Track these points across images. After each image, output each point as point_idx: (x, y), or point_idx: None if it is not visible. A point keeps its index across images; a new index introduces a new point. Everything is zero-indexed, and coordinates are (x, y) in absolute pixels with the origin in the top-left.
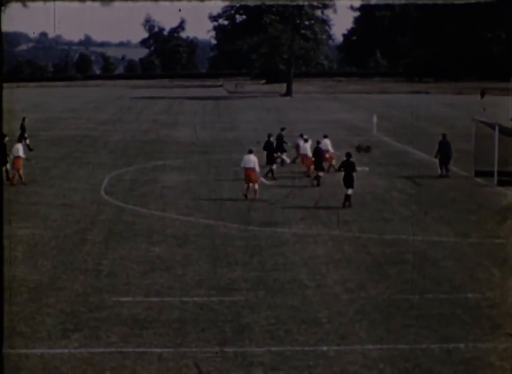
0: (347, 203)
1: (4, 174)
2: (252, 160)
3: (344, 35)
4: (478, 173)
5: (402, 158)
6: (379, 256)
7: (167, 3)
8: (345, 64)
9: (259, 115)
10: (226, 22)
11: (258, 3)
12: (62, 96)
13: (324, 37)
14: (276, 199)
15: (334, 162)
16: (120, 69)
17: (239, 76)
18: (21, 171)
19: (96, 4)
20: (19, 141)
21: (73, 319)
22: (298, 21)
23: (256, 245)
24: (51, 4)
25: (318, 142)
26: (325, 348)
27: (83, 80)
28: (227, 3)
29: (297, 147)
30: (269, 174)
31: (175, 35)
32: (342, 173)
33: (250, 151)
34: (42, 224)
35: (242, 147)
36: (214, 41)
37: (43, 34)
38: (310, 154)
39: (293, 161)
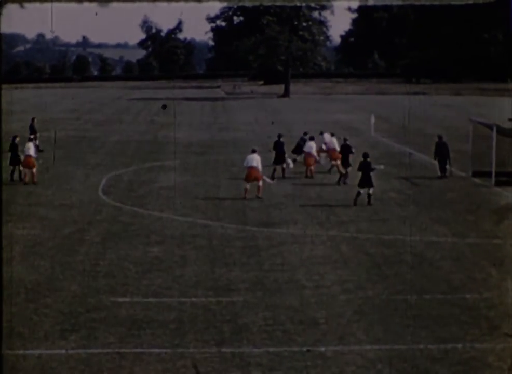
0: (368, 201)
1: (17, 173)
2: (255, 159)
3: (342, 36)
4: (476, 174)
5: (400, 158)
6: (377, 256)
7: (164, 5)
8: (343, 65)
9: (257, 116)
10: (223, 23)
11: (256, 3)
12: (60, 97)
13: (321, 38)
14: (274, 199)
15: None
16: (117, 71)
17: (236, 77)
18: (34, 170)
19: (94, 5)
20: (29, 140)
21: (71, 319)
22: (295, 22)
23: (254, 245)
24: (48, 5)
25: (345, 139)
26: (323, 348)
27: (80, 81)
28: (224, 4)
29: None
30: (275, 174)
31: (173, 36)
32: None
33: (253, 151)
34: (40, 225)
35: (240, 148)
36: (211, 43)
37: (41, 35)
38: (314, 152)
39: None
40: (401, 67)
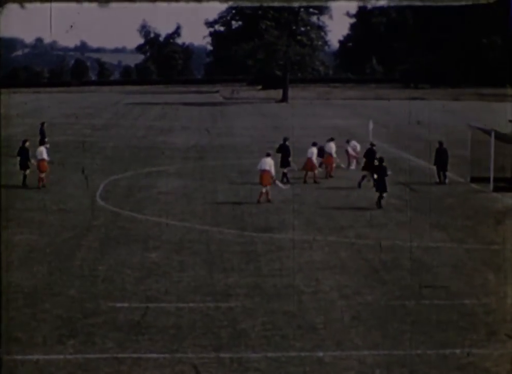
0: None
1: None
2: (268, 163)
3: (340, 41)
4: (474, 179)
5: (398, 164)
6: (376, 262)
7: (163, 9)
8: (341, 70)
9: (255, 121)
10: (222, 28)
11: (256, 4)
12: (58, 102)
13: (320, 43)
14: (272, 205)
15: (334, 165)
16: (115, 75)
17: (235, 82)
18: (43, 175)
19: (92, 9)
20: (41, 144)
21: (69, 324)
22: (294, 27)
23: (252, 251)
24: (47, 9)
25: (372, 144)
26: (321, 354)
27: (78, 86)
28: (223, 6)
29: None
30: (284, 179)
31: (171, 40)
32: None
33: (268, 155)
34: (38, 230)
35: (238, 153)
36: (210, 47)
37: (39, 40)
38: (314, 158)
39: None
40: (400, 72)
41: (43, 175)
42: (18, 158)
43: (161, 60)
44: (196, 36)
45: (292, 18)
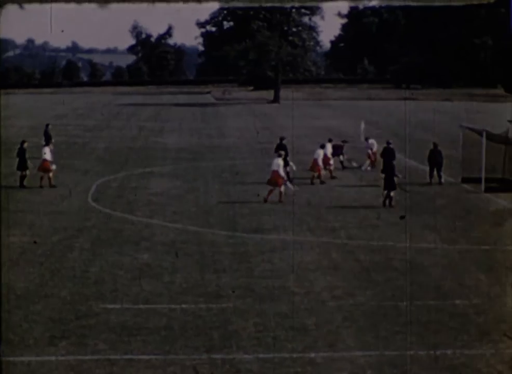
0: (389, 202)
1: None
2: (278, 163)
3: (332, 42)
4: (465, 180)
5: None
6: (367, 263)
7: (155, 10)
8: (333, 70)
9: (247, 122)
10: (213, 29)
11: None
12: (49, 102)
13: (311, 43)
14: (264, 206)
15: (332, 167)
16: (107, 76)
17: (226, 83)
18: (51, 174)
19: (84, 10)
20: (46, 145)
21: (61, 326)
22: (285, 28)
23: (244, 252)
24: (39, 10)
25: (388, 143)
26: (313, 355)
27: (70, 87)
28: (214, 9)
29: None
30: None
31: (163, 41)
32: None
33: (279, 155)
34: (29, 231)
35: (230, 154)
36: (201, 48)
37: (30, 41)
38: (320, 159)
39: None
40: (391, 72)
41: (46, 175)
42: (17, 159)
43: (153, 61)
44: (188, 36)
45: (283, 19)
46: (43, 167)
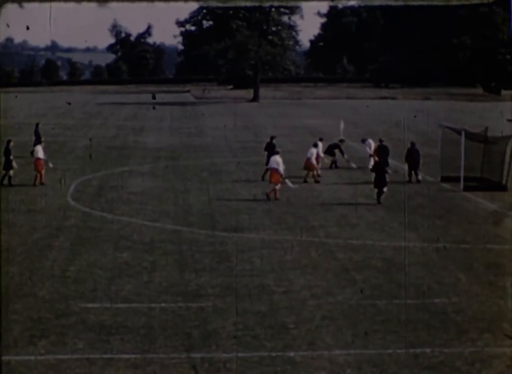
0: (379, 199)
1: (6, 179)
2: (276, 161)
3: (311, 41)
4: (444, 179)
5: (369, 163)
6: (346, 261)
7: (134, 9)
8: (312, 69)
9: (227, 121)
10: (193, 28)
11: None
12: (28, 101)
13: (291, 42)
14: (243, 204)
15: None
16: (86, 75)
17: (206, 82)
18: (43, 172)
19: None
20: (38, 143)
21: (40, 325)
22: (265, 27)
23: (223, 251)
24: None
25: (381, 140)
26: (292, 353)
27: (49, 86)
28: (194, 8)
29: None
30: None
31: (142, 40)
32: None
33: (277, 153)
34: (8, 230)
35: (209, 153)
36: (181, 47)
37: (9, 39)
38: (313, 158)
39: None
40: (370, 71)
41: (39, 174)
42: (4, 159)
43: (132, 60)
44: (167, 35)
45: (263, 18)
46: (37, 166)
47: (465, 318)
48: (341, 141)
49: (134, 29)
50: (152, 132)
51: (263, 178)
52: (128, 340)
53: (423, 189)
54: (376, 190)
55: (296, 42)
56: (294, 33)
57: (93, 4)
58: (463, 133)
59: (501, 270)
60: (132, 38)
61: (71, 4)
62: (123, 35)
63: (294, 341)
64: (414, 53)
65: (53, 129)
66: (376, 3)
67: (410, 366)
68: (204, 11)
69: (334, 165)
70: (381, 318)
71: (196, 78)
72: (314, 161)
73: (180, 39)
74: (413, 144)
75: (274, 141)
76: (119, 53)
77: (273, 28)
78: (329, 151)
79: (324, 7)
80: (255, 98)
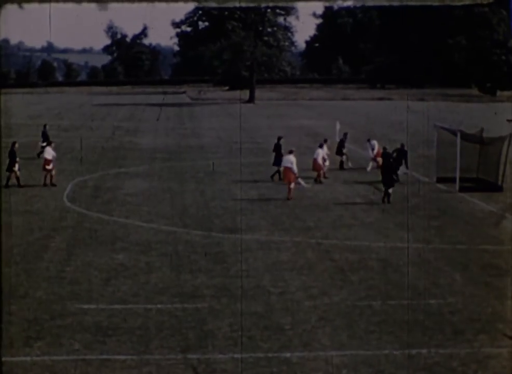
0: (387, 199)
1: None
2: (290, 160)
3: (307, 42)
4: (440, 180)
5: (364, 164)
6: (342, 262)
7: (130, 10)
8: (308, 70)
9: (222, 122)
10: (188, 29)
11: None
12: (24, 103)
13: (286, 43)
14: (239, 205)
15: (327, 164)
16: (82, 76)
17: (202, 83)
18: (53, 172)
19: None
20: (48, 145)
21: (36, 326)
22: (260, 28)
23: (219, 252)
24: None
25: (385, 148)
26: (288, 354)
27: (45, 87)
28: (190, 9)
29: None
30: (275, 176)
31: (138, 41)
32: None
33: (290, 152)
34: (4, 231)
35: (205, 154)
36: (176, 48)
37: (5, 40)
38: (320, 159)
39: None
40: (366, 72)
41: (48, 174)
42: (8, 160)
43: (128, 61)
44: (163, 36)
45: (258, 19)
46: (46, 166)
47: (460, 319)
48: (345, 134)
49: (130, 30)
50: (148, 133)
51: (272, 178)
52: (124, 341)
53: (418, 190)
54: (383, 189)
55: (292, 43)
56: (289, 34)
57: (92, 5)
58: (459, 134)
59: (497, 271)
60: (128, 39)
61: (67, 5)
62: (119, 36)
63: (290, 342)
64: (410, 53)
65: (49, 130)
66: (372, 3)
67: (406, 367)
68: (200, 12)
69: (341, 166)
70: (377, 319)
71: (192, 79)
72: (320, 162)
73: (176, 40)
74: (402, 145)
75: (281, 141)
76: (115, 54)
77: (269, 29)
78: (338, 151)
79: (319, 8)
80: (251, 99)
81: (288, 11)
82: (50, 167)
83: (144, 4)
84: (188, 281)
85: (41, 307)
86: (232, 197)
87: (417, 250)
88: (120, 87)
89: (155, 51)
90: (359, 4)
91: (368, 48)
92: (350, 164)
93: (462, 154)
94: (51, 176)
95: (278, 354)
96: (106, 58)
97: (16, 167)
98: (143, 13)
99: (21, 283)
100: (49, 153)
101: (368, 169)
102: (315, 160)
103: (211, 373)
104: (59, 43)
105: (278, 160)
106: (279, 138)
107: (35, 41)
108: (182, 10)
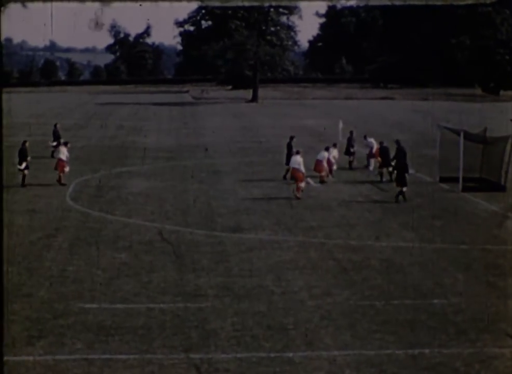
0: (400, 198)
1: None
2: (297, 161)
3: (310, 41)
4: (443, 179)
5: (369, 164)
6: (345, 262)
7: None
8: (311, 70)
9: (225, 121)
10: (192, 28)
11: (227, 5)
12: (27, 102)
13: (289, 43)
14: (242, 205)
15: (334, 167)
16: (85, 75)
17: (205, 82)
18: (66, 171)
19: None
20: (59, 144)
21: (38, 326)
22: (264, 27)
23: (222, 251)
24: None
25: (381, 143)
26: (291, 354)
27: (48, 86)
28: (193, 8)
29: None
30: (288, 175)
31: (141, 40)
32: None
33: (297, 152)
34: (7, 231)
35: (208, 153)
36: (180, 47)
37: (8, 40)
38: (324, 161)
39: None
40: (369, 72)
41: (61, 174)
42: (18, 159)
43: (131, 60)
44: (166, 35)
45: (261, 18)
46: (59, 166)
47: (463, 319)
48: (352, 132)
49: (133, 29)
50: (151, 132)
51: (284, 178)
52: (127, 340)
53: (421, 190)
54: (398, 188)
55: (295, 42)
56: (292, 33)
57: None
58: (462, 134)
59: (501, 271)
60: (131, 38)
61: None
62: (122, 35)
63: (292, 342)
64: (413, 53)
65: (52, 129)
66: (375, 2)
67: (409, 367)
68: (203, 11)
69: (350, 166)
70: (380, 319)
71: (195, 78)
72: (325, 164)
73: (179, 39)
74: (398, 142)
75: (293, 142)
76: (118, 54)
77: (272, 29)
78: (347, 151)
79: (322, 7)
80: (254, 98)
81: (291, 10)
82: (67, 169)
83: (147, 4)
84: (191, 281)
85: (44, 306)
86: (235, 196)
87: (420, 250)
88: (123, 86)
89: (158, 50)
90: (362, 3)
91: (372, 47)
92: (355, 163)
93: (465, 153)
94: (60, 176)
95: (281, 354)
96: (109, 58)
97: (23, 166)
98: (146, 12)
99: (24, 283)
100: (63, 153)
101: (371, 167)
102: (318, 162)
103: (213, 373)
104: (62, 42)
105: (289, 160)
106: (291, 138)
107: (38, 40)
108: (185, 9)
